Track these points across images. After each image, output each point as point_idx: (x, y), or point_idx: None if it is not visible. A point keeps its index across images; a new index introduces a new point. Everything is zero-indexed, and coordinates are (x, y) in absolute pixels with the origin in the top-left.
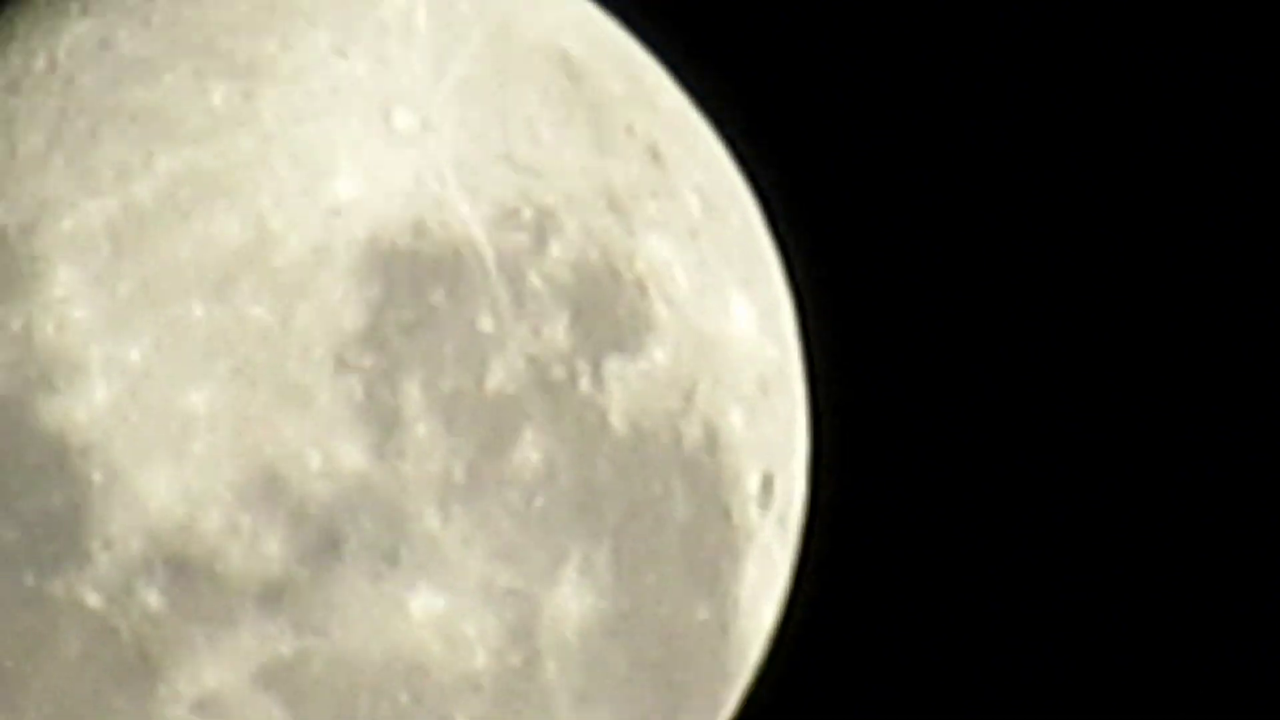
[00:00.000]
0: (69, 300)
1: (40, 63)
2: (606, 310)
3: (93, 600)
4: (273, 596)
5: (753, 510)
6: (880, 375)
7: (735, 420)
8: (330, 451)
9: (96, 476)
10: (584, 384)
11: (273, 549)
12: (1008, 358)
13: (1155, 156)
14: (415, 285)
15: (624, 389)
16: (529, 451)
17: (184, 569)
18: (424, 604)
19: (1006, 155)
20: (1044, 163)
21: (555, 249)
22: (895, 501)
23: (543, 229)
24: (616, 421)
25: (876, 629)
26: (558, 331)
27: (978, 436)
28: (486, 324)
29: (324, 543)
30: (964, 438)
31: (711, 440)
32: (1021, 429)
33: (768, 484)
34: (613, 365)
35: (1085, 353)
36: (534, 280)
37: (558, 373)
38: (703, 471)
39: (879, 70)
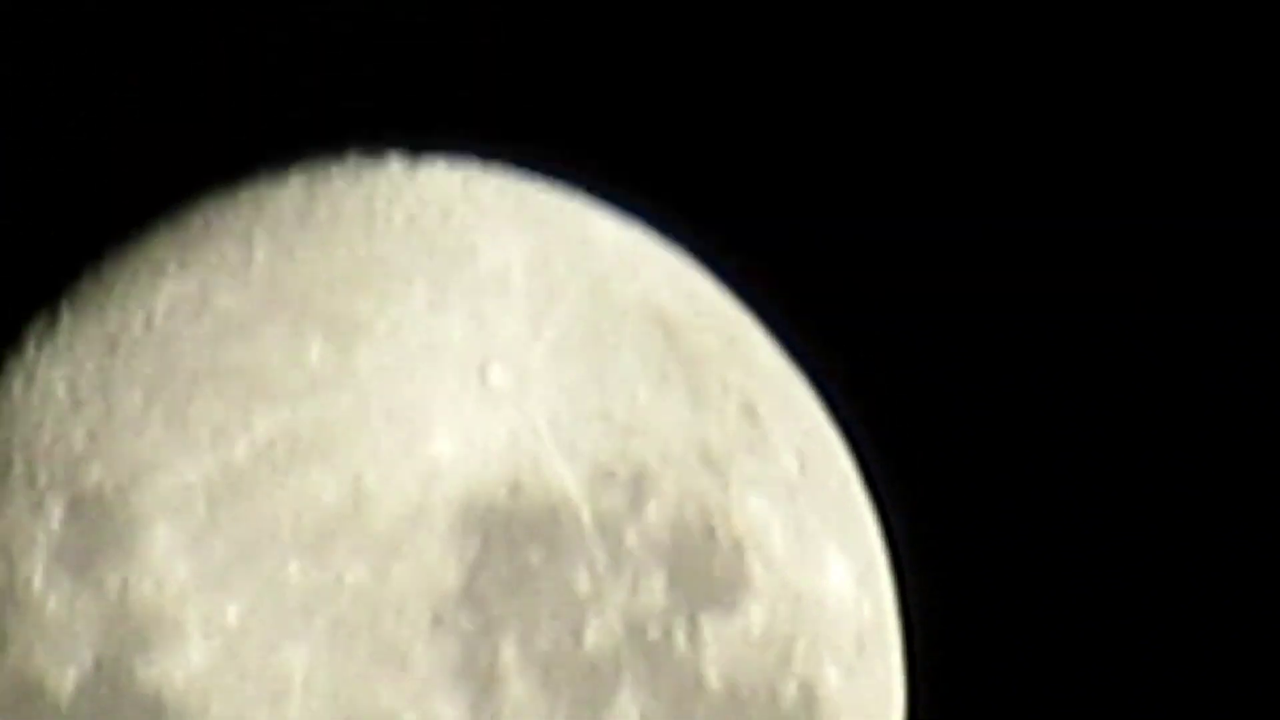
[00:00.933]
0: (167, 560)
1: (138, 322)
2: (703, 569)
3: None
4: None
5: None
6: (975, 636)
7: (832, 680)
8: (427, 712)
9: None
10: (680, 643)
11: None
12: (1099, 619)
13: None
14: (512, 544)
15: (721, 648)
16: (627, 709)
17: None
18: None
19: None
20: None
21: (652, 508)
22: None
23: (639, 488)
24: (713, 680)
25: None
26: (654, 591)
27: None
28: (583, 583)
29: None
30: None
31: (809, 700)
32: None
33: None
34: (709, 624)
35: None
36: (631, 539)
37: (654, 632)
38: None
39: (965, 331)
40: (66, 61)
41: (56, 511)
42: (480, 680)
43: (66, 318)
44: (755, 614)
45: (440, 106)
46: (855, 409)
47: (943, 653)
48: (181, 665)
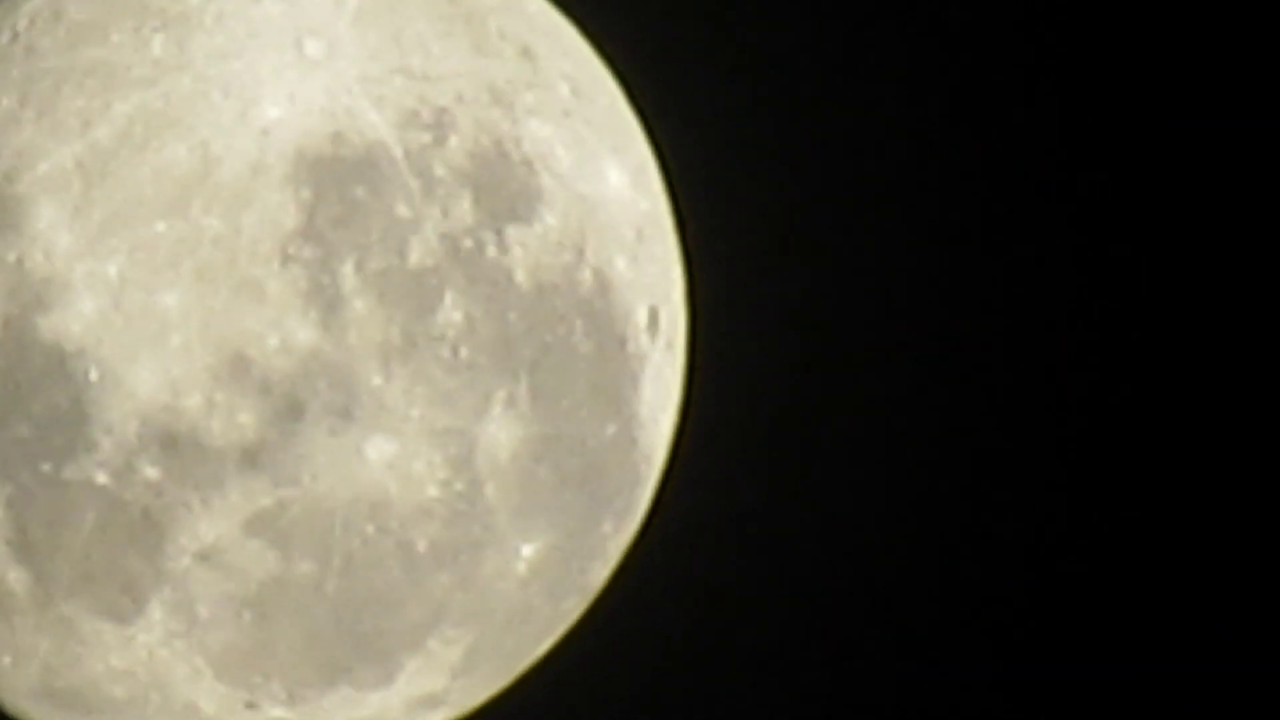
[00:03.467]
0: (52, 231)
1: (4, 37)
2: (502, 187)
3: (101, 478)
4: (251, 458)
5: (644, 339)
6: (740, 217)
7: (620, 266)
8: (285, 332)
9: (92, 375)
10: (490, 251)
11: (246, 418)
12: (849, 186)
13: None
14: (340, 185)
15: (524, 251)
16: (451, 312)
17: (174, 443)
18: (378, 449)
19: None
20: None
21: (453, 141)
22: (761, 322)
23: (440, 126)
24: (521, 279)
25: (759, 427)
26: (463, 210)
27: (824, 268)
28: (403, 210)
29: (288, 408)
30: (813, 269)
31: (603, 285)
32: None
33: (654, 316)
34: (513, 232)
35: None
36: (439, 169)
37: (467, 244)
38: (598, 312)
39: None
40: None
41: None
42: (327, 301)
43: None
44: (550, 219)
45: None
46: (614, 39)
47: (713, 237)
48: (75, 317)
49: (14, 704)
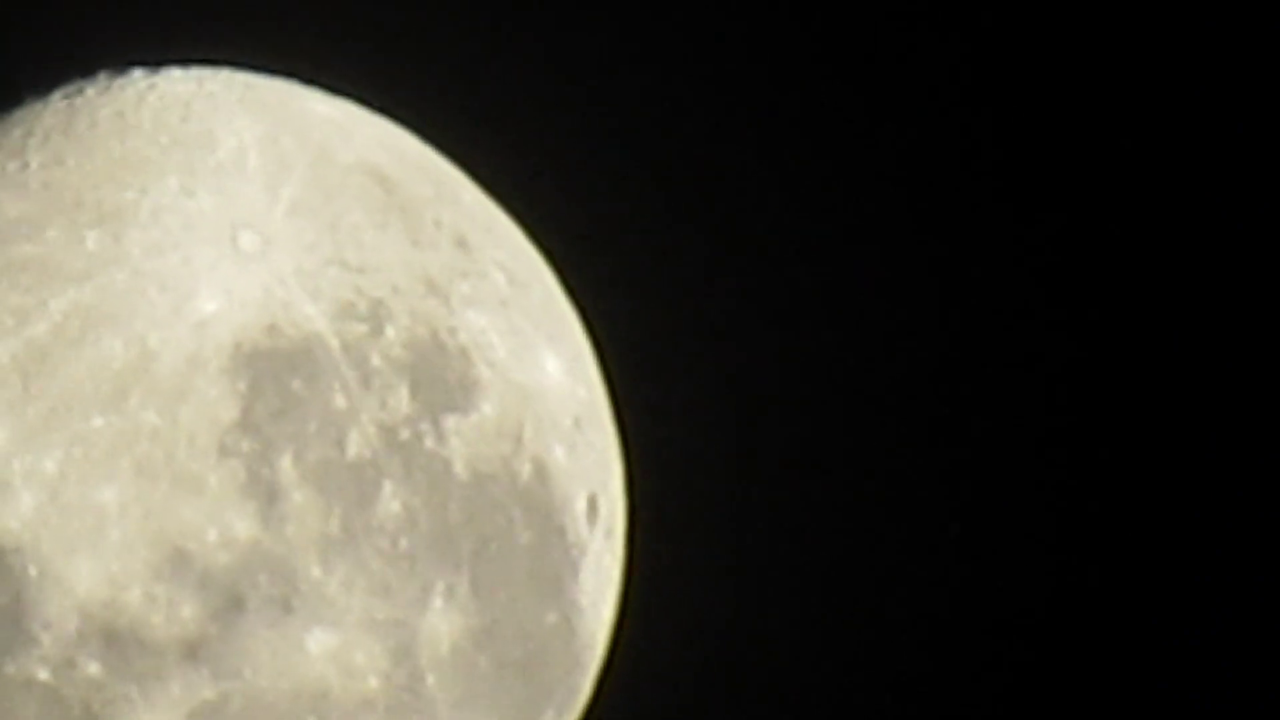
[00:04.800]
0: None
1: None
2: (439, 377)
3: (42, 675)
4: (192, 651)
5: (583, 527)
6: (677, 400)
7: (559, 454)
8: (224, 525)
9: (31, 571)
10: (429, 441)
11: (187, 612)
12: (788, 366)
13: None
14: (276, 377)
15: (462, 441)
16: (390, 503)
17: (115, 638)
18: (319, 641)
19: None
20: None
21: (390, 332)
22: (701, 506)
23: (377, 316)
24: (460, 469)
25: (699, 612)
26: (401, 400)
27: (758, 444)
28: (340, 401)
29: (229, 601)
30: (751, 446)
31: (541, 473)
32: (779, 438)
33: (593, 504)
34: (450, 422)
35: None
36: (375, 360)
37: (405, 434)
38: (537, 500)
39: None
40: None
41: None
42: (265, 494)
43: None
44: (487, 409)
45: (165, 27)
46: (548, 229)
47: (651, 422)
48: (13, 513)
49: None
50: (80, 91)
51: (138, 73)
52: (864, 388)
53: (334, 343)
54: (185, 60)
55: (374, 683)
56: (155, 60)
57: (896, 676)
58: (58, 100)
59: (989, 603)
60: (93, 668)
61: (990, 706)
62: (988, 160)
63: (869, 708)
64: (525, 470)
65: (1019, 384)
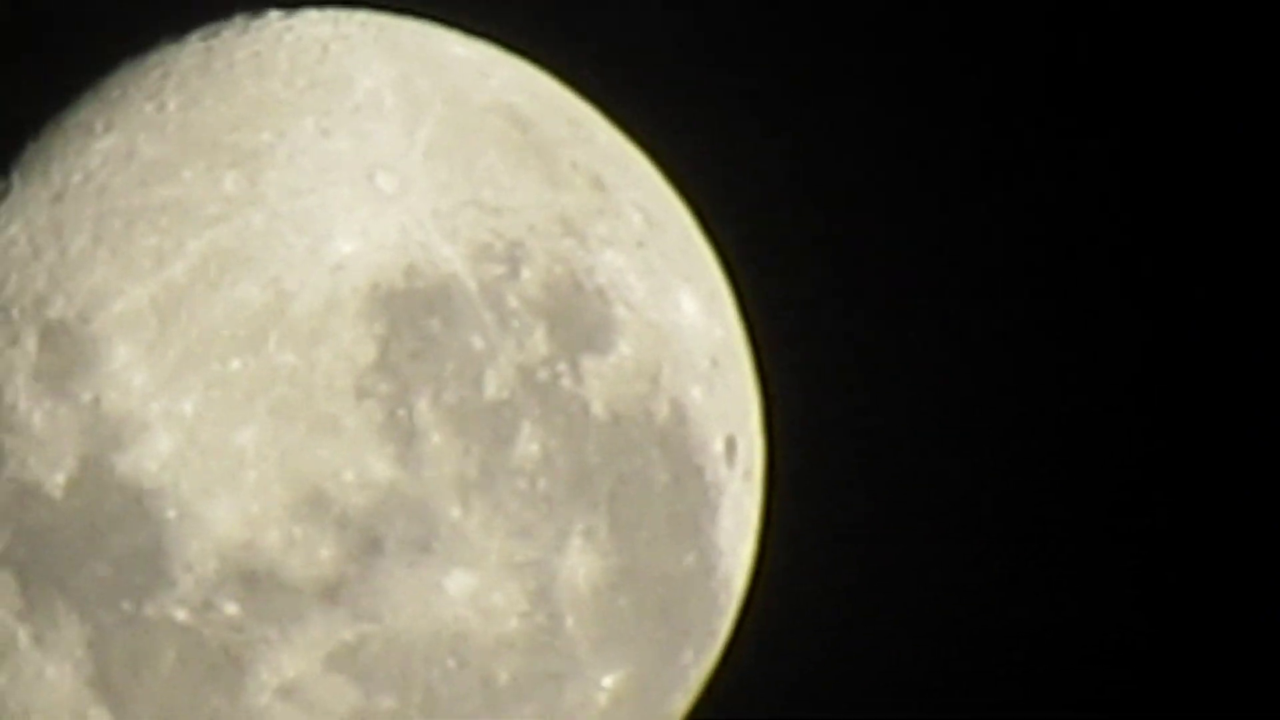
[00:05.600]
0: (128, 370)
1: (77, 177)
2: (576, 318)
3: (181, 616)
4: (330, 593)
5: (721, 468)
6: (814, 340)
7: (696, 395)
8: (362, 467)
9: (170, 513)
10: (566, 382)
11: (325, 554)
12: (903, 310)
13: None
14: (414, 319)
15: (600, 382)
16: (528, 444)
17: (254, 580)
18: (457, 583)
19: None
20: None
21: (526, 273)
22: (839, 446)
23: (514, 258)
24: (598, 409)
25: (838, 554)
26: (538, 341)
27: (898, 384)
28: (478, 343)
29: (367, 543)
30: (889, 391)
31: (679, 414)
32: (925, 383)
33: (731, 445)
34: (588, 363)
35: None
36: (512, 301)
37: (543, 375)
38: (675, 441)
39: (770, 86)
40: None
41: (30, 343)
42: (403, 435)
43: (16, 182)
44: (625, 349)
45: None
46: (685, 167)
47: (789, 362)
48: (152, 455)
49: None
50: (217, 33)
51: (274, 14)
52: (1013, 331)
53: (471, 284)
54: (321, 2)
55: (513, 624)
56: (292, 2)
57: (1040, 622)
58: (195, 42)
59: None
60: (231, 609)
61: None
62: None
63: (1009, 651)
64: (663, 411)
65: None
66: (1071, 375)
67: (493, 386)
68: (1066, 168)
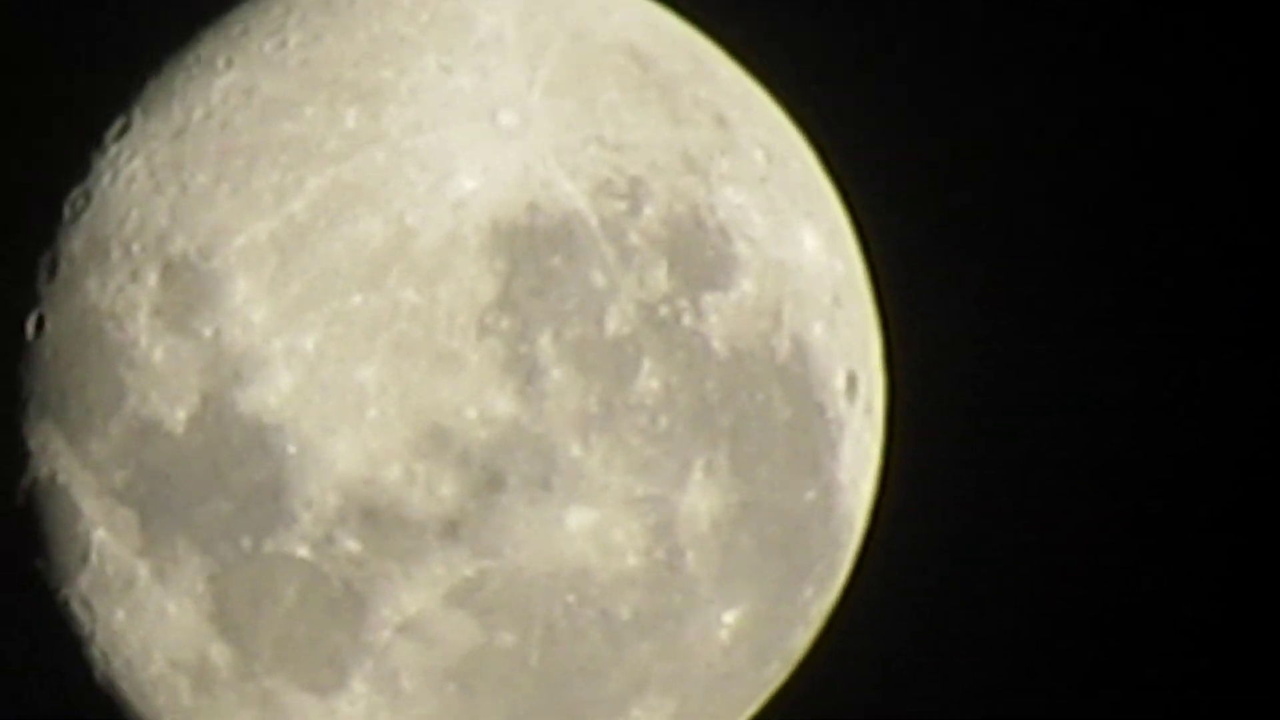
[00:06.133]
0: (249, 305)
1: (199, 113)
2: (697, 255)
3: (302, 552)
4: (451, 529)
5: (842, 404)
6: (935, 276)
7: (817, 331)
8: (484, 403)
9: (291, 449)
10: (687, 319)
11: (446, 490)
12: (1027, 250)
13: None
14: (535, 255)
15: (721, 318)
16: (649, 380)
17: (374, 516)
18: (578, 519)
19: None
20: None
21: (648, 209)
22: (960, 382)
23: (635, 194)
24: (718, 346)
25: (959, 490)
26: (659, 278)
27: (1018, 318)
28: (599, 279)
29: (488, 479)
30: (1009, 327)
31: (800, 350)
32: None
33: (852, 381)
34: (709, 299)
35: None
36: (633, 237)
37: (664, 312)
38: (796, 377)
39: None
40: None
41: (151, 279)
42: (524, 371)
43: (138, 118)
44: (746, 286)
45: None
46: (806, 105)
47: (909, 298)
48: (273, 391)
49: None
50: None
51: None
52: (1134, 273)
53: (593, 220)
54: None
55: (633, 560)
56: None
57: (1165, 565)
58: None
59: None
60: (352, 545)
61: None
62: None
63: (1128, 596)
64: (784, 347)
65: None
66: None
67: (614, 323)
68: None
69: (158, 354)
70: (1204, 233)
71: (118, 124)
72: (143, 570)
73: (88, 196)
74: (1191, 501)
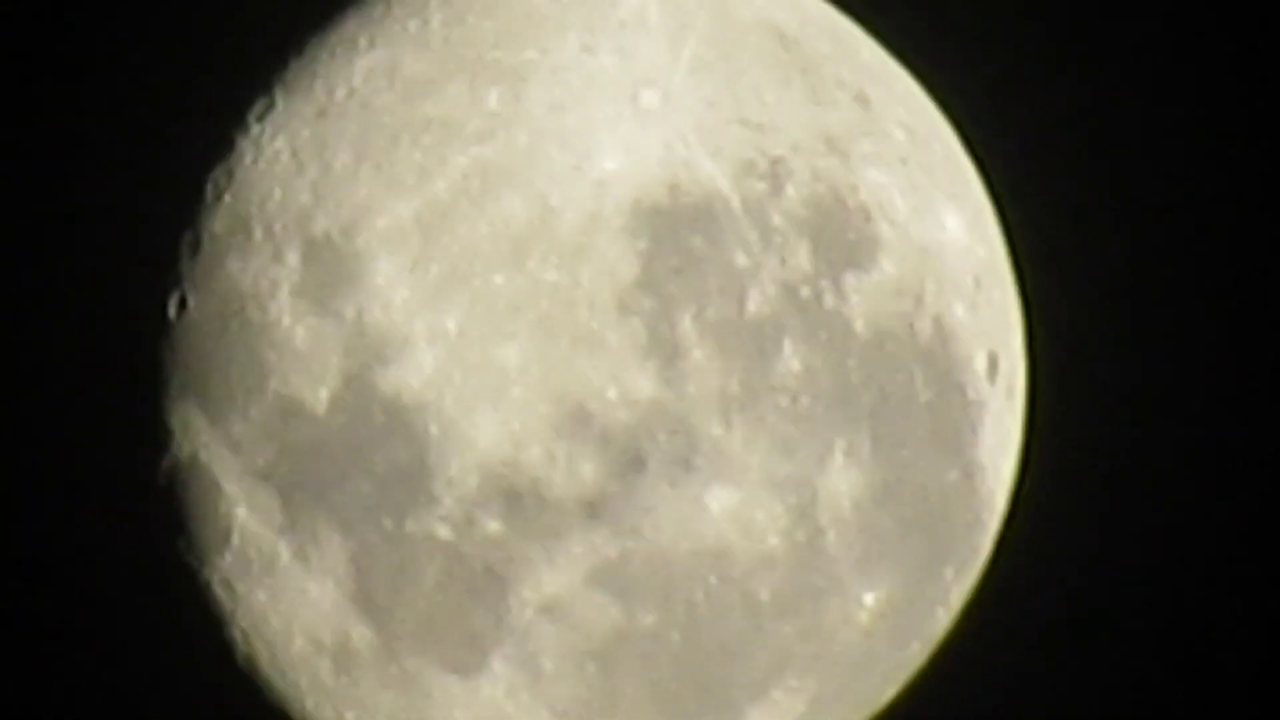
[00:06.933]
0: (391, 286)
1: (341, 92)
2: (839, 235)
3: (443, 533)
4: (592, 510)
5: (983, 386)
6: (1077, 261)
7: (959, 312)
8: (625, 383)
9: (433, 429)
10: (828, 299)
11: (587, 470)
12: (1188, 228)
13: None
14: (677, 235)
15: (862, 299)
16: (790, 361)
17: (516, 496)
18: (719, 500)
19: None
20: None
21: (789, 190)
22: (1101, 366)
23: (777, 175)
24: (860, 327)
25: (1101, 473)
26: (801, 258)
27: (1159, 305)
28: (741, 260)
29: (629, 460)
30: (1151, 313)
31: (941, 331)
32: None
33: (993, 362)
34: (850, 280)
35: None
36: (775, 218)
37: (805, 292)
38: (937, 358)
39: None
40: None
41: (293, 259)
42: (665, 352)
43: (280, 97)
44: (888, 267)
45: None
46: (951, 86)
47: (1052, 280)
48: (415, 372)
49: None
50: None
51: None
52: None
53: (734, 201)
54: None
55: (774, 541)
56: None
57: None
58: None
59: None
60: (493, 526)
61: None
62: None
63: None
64: (926, 328)
65: None
66: None
67: (755, 303)
68: None
69: (299, 334)
70: None
71: (261, 103)
72: (284, 551)
73: (230, 176)
74: None
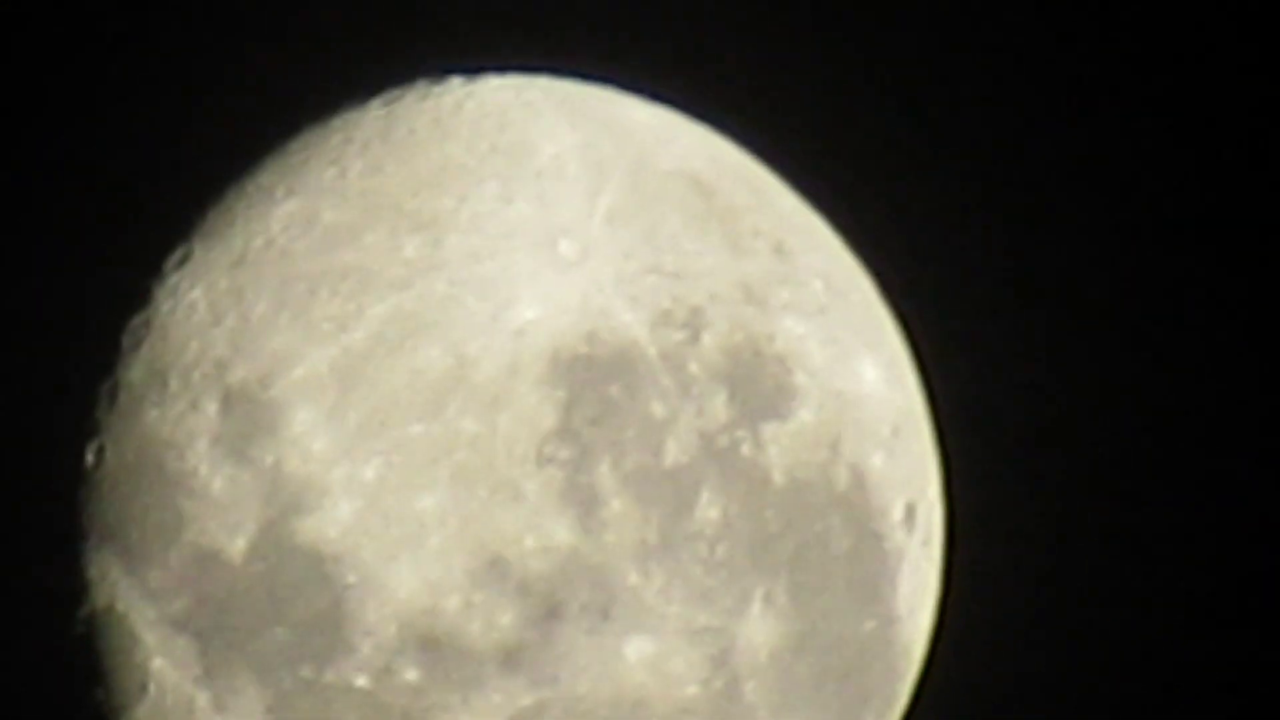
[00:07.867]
0: (308, 435)
1: (259, 242)
2: (756, 385)
3: (361, 682)
4: (511, 658)
5: (900, 535)
6: (996, 407)
7: (876, 462)
8: (543, 532)
9: (351, 579)
10: (746, 448)
11: (505, 619)
12: (1107, 371)
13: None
14: (595, 385)
15: (780, 448)
16: (708, 510)
17: (434, 645)
18: (637, 649)
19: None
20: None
21: (707, 339)
22: (1020, 514)
23: (695, 324)
24: (777, 476)
25: (1018, 621)
26: (718, 407)
27: (1079, 452)
28: (658, 409)
29: (547, 609)
30: (1073, 454)
31: (859, 480)
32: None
33: (910, 512)
34: (768, 430)
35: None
36: (693, 367)
37: (723, 441)
38: (855, 508)
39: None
40: (172, 35)
41: (211, 408)
42: (584, 501)
43: (198, 246)
44: (805, 416)
45: (483, 34)
46: (867, 237)
47: (970, 429)
48: (333, 521)
49: None
50: (398, 99)
51: (456, 80)
52: (1192, 401)
53: (652, 350)
54: (503, 67)
55: (692, 690)
56: (473, 68)
57: (1222, 702)
58: (376, 108)
59: None
60: (412, 674)
61: None
62: None
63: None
64: (843, 477)
65: None
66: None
67: (673, 453)
68: None
69: (217, 483)
70: None
71: (178, 253)
72: (202, 700)
73: (148, 325)
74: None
